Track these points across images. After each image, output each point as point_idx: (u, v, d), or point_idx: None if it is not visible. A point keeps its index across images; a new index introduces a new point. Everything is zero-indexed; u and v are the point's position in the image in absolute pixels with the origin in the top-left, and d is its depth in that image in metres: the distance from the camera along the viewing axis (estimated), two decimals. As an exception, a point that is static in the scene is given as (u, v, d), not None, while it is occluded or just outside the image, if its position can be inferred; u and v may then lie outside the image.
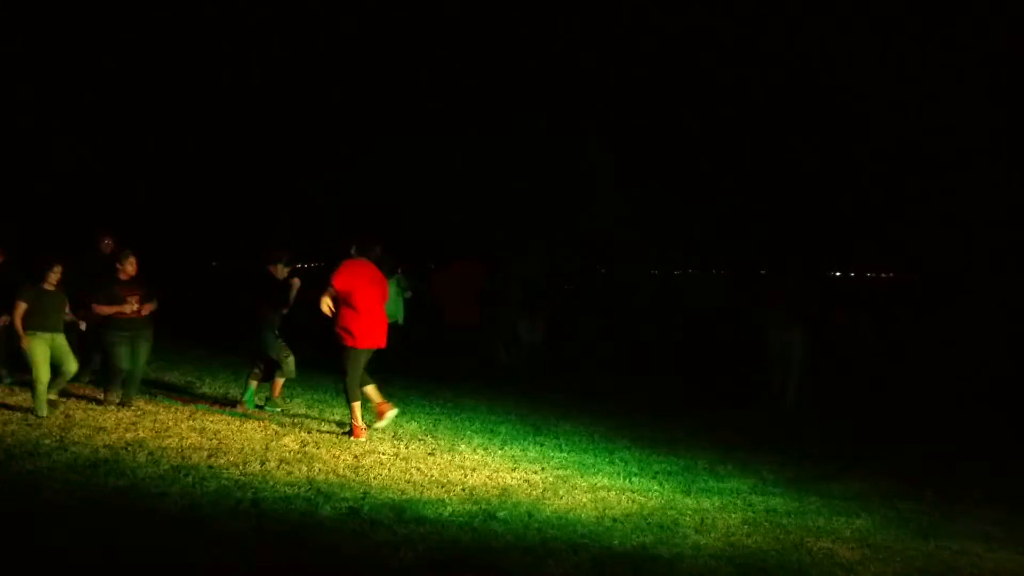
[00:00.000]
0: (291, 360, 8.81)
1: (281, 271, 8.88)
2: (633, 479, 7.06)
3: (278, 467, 6.69)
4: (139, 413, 8.15)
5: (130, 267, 8.42)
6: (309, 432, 7.95)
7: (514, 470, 7.11)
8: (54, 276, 8.05)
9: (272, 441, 7.50)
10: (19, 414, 7.81)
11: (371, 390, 8.12)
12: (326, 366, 10.35)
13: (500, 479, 6.79)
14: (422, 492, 6.28)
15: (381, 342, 8.06)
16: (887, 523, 6.21)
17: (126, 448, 6.91)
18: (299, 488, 6.16)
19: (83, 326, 8.37)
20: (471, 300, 12.35)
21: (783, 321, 10.43)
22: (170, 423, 7.88)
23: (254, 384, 8.87)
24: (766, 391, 10.79)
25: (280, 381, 8.94)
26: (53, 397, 8.10)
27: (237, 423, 8.12)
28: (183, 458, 6.75)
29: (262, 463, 6.77)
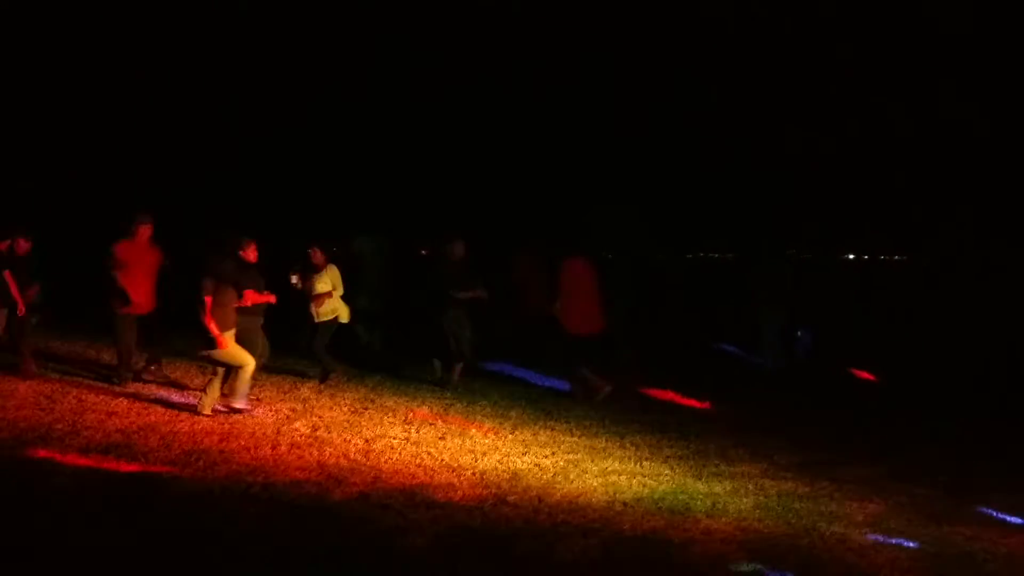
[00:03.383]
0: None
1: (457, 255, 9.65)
2: (644, 463, 7.04)
3: (289, 451, 6.70)
4: (151, 397, 8.18)
5: (252, 253, 8.42)
6: (320, 416, 7.96)
7: (525, 454, 7.11)
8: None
9: (283, 425, 7.52)
10: (32, 399, 7.85)
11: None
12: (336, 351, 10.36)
13: (511, 463, 6.79)
14: (433, 476, 6.29)
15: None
16: (900, 508, 6.17)
17: (138, 432, 6.94)
18: (310, 472, 6.18)
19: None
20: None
21: (766, 300, 12.19)
22: (182, 407, 7.90)
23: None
24: (759, 361, 12.26)
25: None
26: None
27: (249, 407, 8.13)
28: (195, 442, 6.77)
29: (273, 447, 6.79)
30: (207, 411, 7.66)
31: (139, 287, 8.57)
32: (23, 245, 8.83)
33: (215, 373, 7.83)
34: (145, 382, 8.75)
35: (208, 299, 7.55)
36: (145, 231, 8.76)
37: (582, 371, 9.56)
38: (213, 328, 7.54)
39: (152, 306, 8.71)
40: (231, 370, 7.82)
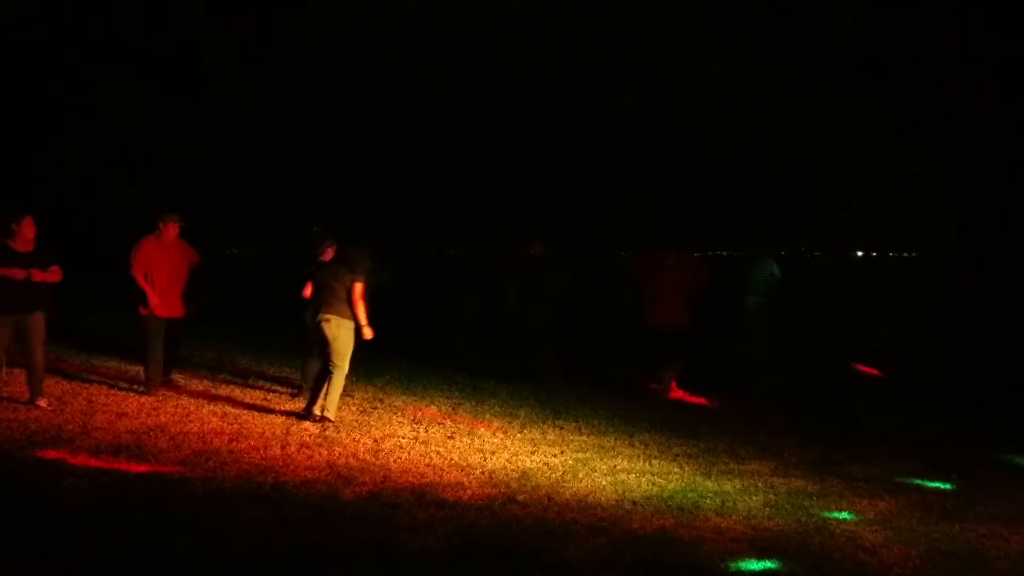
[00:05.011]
0: None
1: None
2: (653, 462, 7.03)
3: (299, 451, 6.72)
4: (161, 398, 8.21)
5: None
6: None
7: (533, 453, 7.11)
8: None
9: (293, 425, 7.53)
10: (44, 400, 7.87)
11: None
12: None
13: (520, 462, 6.79)
14: (442, 476, 6.29)
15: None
16: (911, 506, 6.15)
17: (148, 433, 6.96)
18: (320, 472, 6.19)
19: None
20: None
21: (748, 290, 12.99)
22: (192, 408, 7.93)
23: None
24: (749, 347, 12.86)
25: None
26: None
27: (258, 407, 8.16)
28: (204, 443, 6.79)
29: (283, 447, 6.80)
30: (333, 415, 7.71)
31: (164, 289, 8.27)
32: None
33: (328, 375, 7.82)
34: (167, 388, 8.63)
35: (361, 287, 7.73)
36: (171, 229, 8.39)
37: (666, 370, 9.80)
38: (364, 316, 7.75)
39: (180, 311, 8.45)
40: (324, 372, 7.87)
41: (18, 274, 7.38)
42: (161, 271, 8.29)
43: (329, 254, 8.13)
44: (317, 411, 7.75)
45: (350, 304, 7.77)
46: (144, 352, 8.40)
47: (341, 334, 7.73)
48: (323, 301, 7.83)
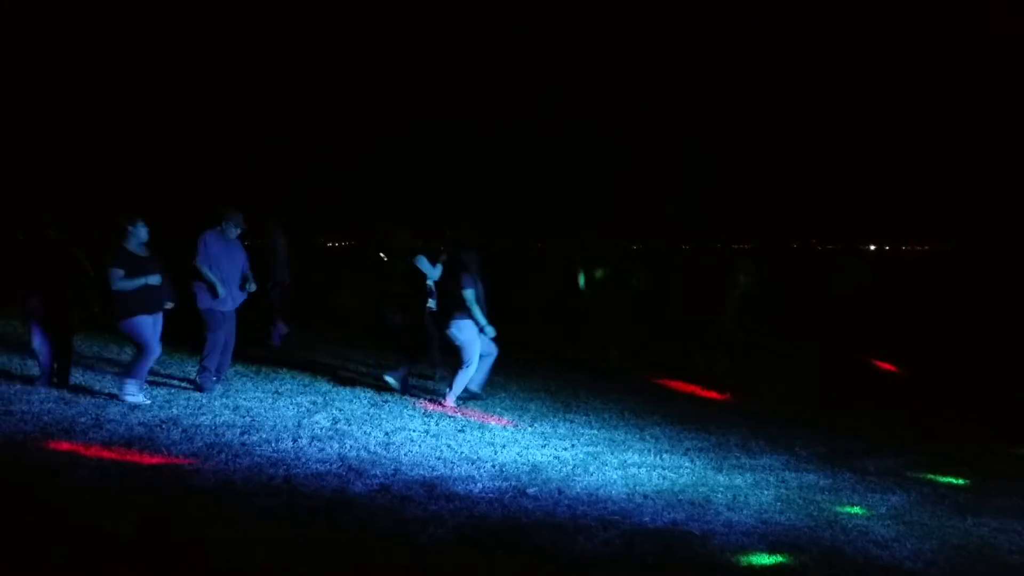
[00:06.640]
0: None
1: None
2: (664, 456, 7.02)
3: (310, 444, 6.74)
4: (173, 391, 8.25)
5: None
6: (340, 409, 7.99)
7: (544, 447, 7.11)
8: None
9: (304, 418, 7.56)
10: (55, 392, 7.92)
11: None
12: (355, 344, 10.40)
13: (530, 456, 6.79)
14: (452, 469, 6.30)
15: None
16: (923, 500, 6.12)
17: (160, 425, 6.99)
18: (331, 465, 6.21)
19: None
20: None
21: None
22: (204, 400, 7.96)
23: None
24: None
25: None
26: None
27: (270, 401, 8.19)
28: (216, 435, 6.82)
29: (294, 440, 6.82)
30: (451, 402, 8.40)
31: (228, 283, 8.25)
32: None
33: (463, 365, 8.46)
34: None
35: (471, 289, 8.28)
36: (234, 228, 8.39)
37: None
38: (481, 317, 8.34)
39: (235, 305, 8.45)
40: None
41: (155, 279, 7.69)
42: (225, 265, 8.30)
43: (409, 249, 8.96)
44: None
45: (464, 306, 8.35)
46: (205, 345, 8.36)
47: (462, 334, 8.40)
48: (444, 304, 8.61)
